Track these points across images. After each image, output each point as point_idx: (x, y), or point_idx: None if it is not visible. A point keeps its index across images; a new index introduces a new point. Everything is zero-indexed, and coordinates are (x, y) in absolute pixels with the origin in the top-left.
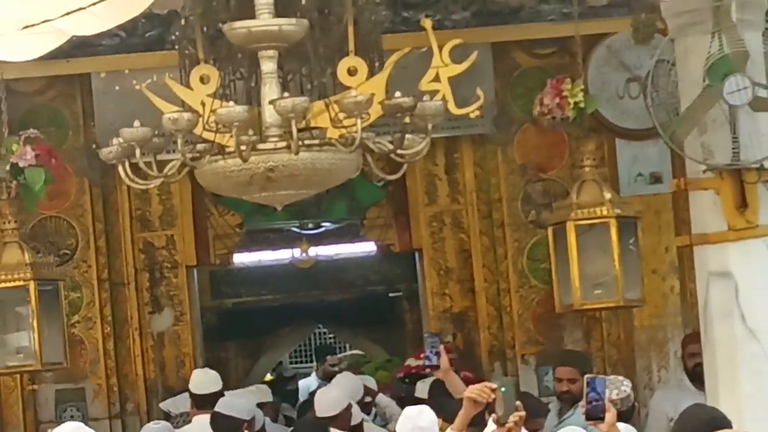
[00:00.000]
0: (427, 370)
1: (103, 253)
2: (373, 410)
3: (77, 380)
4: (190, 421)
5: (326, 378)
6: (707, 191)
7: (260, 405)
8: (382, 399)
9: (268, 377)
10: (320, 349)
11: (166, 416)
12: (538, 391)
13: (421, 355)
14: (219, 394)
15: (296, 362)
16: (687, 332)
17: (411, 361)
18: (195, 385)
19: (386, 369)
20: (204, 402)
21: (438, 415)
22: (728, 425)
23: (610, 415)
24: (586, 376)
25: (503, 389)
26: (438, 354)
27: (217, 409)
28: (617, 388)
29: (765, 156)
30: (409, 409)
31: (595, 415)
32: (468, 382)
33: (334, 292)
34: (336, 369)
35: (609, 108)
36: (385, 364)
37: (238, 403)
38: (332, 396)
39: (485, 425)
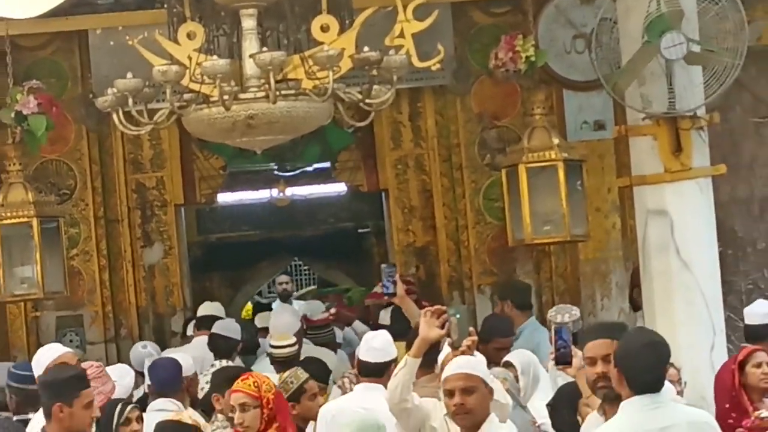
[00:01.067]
0: (386, 298)
1: (99, 193)
2: (341, 334)
3: (76, 308)
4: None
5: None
6: (646, 137)
7: None
8: (359, 325)
9: (248, 306)
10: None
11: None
12: None
13: (379, 284)
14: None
15: (274, 293)
16: (627, 265)
17: (377, 289)
18: (201, 309)
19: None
20: (205, 323)
21: (402, 339)
22: (667, 349)
23: (577, 360)
24: (554, 324)
25: (457, 316)
26: (395, 282)
27: (214, 330)
28: (568, 313)
29: (698, 105)
30: (368, 334)
31: (563, 361)
32: None
33: (309, 228)
34: (287, 287)
35: (557, 62)
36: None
37: (234, 326)
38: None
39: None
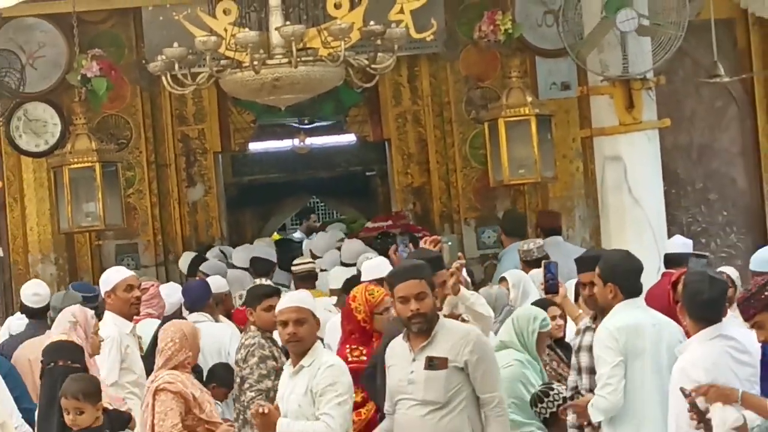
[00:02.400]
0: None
1: (151, 142)
2: None
3: (132, 237)
4: None
5: (308, 233)
6: (604, 96)
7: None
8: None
9: (275, 236)
10: (303, 212)
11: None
12: (477, 245)
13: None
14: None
15: (296, 224)
16: (588, 202)
17: (369, 224)
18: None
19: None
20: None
21: None
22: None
23: (563, 289)
24: (543, 261)
25: (449, 243)
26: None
27: (254, 254)
28: (533, 242)
29: (647, 69)
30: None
31: (551, 290)
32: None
33: (325, 171)
34: (317, 225)
35: (530, 33)
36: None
37: (270, 250)
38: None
39: None
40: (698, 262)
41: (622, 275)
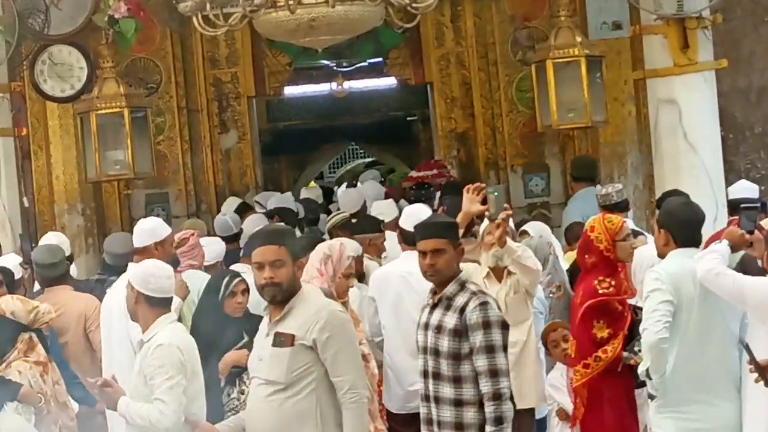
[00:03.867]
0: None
1: (182, 86)
2: None
3: (162, 186)
4: None
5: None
6: (657, 35)
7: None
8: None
9: (312, 184)
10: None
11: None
12: (524, 193)
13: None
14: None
15: (333, 173)
16: (641, 148)
17: (413, 173)
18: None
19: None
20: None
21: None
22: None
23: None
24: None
25: (495, 194)
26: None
27: (278, 205)
28: (612, 186)
29: (703, 7)
30: (408, 207)
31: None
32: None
33: (364, 116)
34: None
35: None
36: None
37: (294, 202)
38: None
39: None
40: (750, 214)
41: (676, 223)
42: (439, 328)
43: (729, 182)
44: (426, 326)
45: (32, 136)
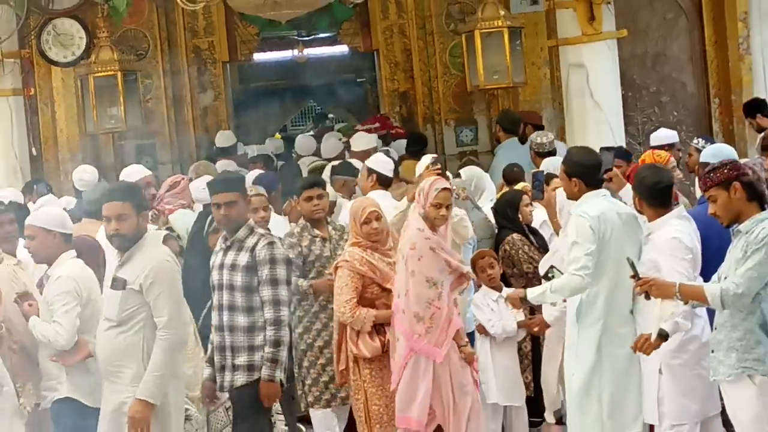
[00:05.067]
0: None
1: (166, 53)
2: None
3: (150, 137)
4: None
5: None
6: (568, 9)
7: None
8: None
9: (277, 136)
10: (317, 117)
11: None
12: (456, 143)
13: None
14: None
15: (295, 125)
16: (554, 105)
17: (358, 126)
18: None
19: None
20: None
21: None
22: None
23: (547, 195)
24: (532, 171)
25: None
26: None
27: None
28: (545, 137)
29: None
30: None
31: (537, 197)
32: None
33: (321, 79)
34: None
35: None
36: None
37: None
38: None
39: None
40: (607, 155)
41: (583, 170)
42: (233, 266)
43: (628, 134)
44: (221, 266)
45: (39, 95)
